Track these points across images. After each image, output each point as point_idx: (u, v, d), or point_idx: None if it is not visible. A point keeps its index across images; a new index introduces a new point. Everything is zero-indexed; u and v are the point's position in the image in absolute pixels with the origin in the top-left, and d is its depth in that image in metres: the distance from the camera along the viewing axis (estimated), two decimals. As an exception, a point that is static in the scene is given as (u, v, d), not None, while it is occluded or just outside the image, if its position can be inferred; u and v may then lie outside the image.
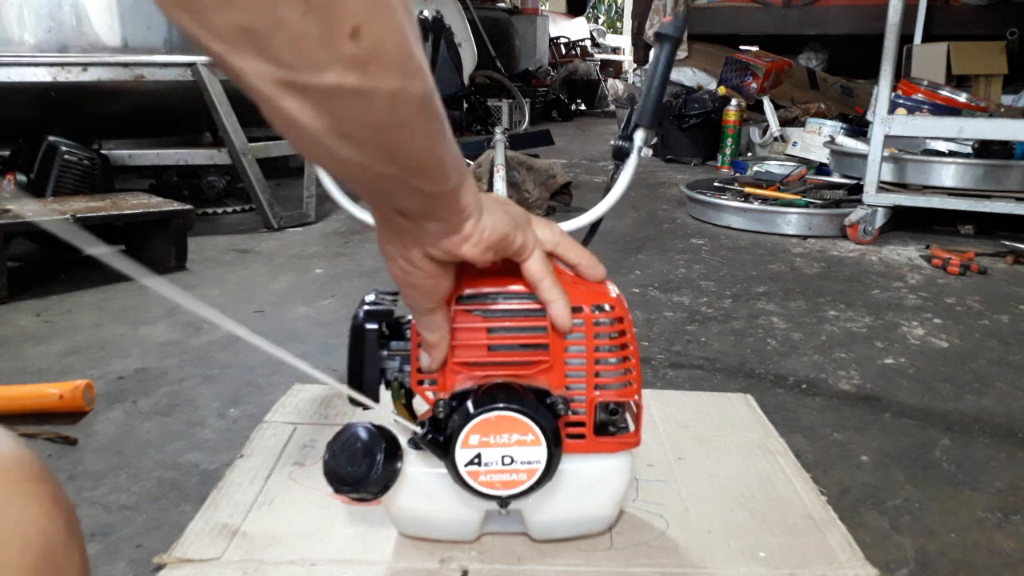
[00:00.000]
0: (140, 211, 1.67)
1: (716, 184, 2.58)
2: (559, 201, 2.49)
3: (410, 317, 0.65)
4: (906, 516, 0.82)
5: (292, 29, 0.35)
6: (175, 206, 1.74)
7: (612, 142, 1.03)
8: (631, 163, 1.00)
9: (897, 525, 0.81)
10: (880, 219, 2.13)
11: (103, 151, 2.01)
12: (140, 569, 0.71)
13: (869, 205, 2.13)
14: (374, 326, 0.67)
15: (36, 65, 2.01)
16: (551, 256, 0.64)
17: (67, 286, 1.59)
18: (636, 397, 0.67)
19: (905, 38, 2.93)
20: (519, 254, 0.60)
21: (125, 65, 2.09)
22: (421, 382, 0.65)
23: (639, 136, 1.00)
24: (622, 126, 1.02)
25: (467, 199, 0.53)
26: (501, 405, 0.61)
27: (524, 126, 4.57)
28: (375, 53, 0.38)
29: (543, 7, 8.05)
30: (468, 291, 0.63)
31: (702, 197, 2.38)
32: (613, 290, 0.67)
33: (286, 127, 0.40)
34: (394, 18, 0.38)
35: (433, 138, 0.46)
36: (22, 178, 1.82)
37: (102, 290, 1.56)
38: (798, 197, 2.36)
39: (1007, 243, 2.04)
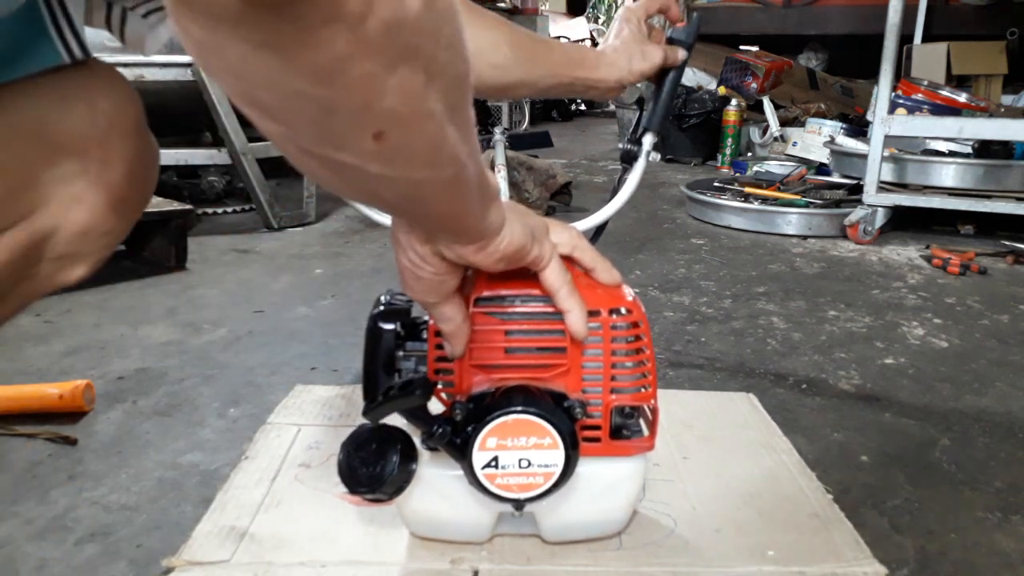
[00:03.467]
0: (140, 211, 1.67)
1: (716, 184, 2.58)
2: (559, 201, 2.49)
3: (426, 318, 0.65)
4: (906, 516, 0.82)
5: (310, 120, 0.35)
6: (175, 206, 1.74)
7: (620, 145, 1.03)
8: (639, 166, 1.00)
9: (897, 525, 0.81)
10: (880, 219, 2.13)
11: (103, 151, 2.01)
12: (140, 569, 0.72)
13: (869, 205, 2.13)
14: (390, 326, 0.67)
15: (36, 65, 2.01)
16: (567, 259, 0.64)
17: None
18: (652, 401, 0.67)
19: (905, 38, 2.93)
20: (535, 264, 0.60)
21: (125, 65, 2.09)
22: (437, 383, 0.65)
23: (648, 140, 1.00)
24: (630, 130, 1.02)
25: (490, 219, 0.53)
26: (519, 408, 0.61)
27: (524, 126, 4.56)
28: (400, 152, 0.38)
29: (543, 7, 8.04)
30: (486, 293, 0.63)
31: (702, 197, 2.38)
32: (629, 293, 0.67)
33: (305, 173, 0.41)
34: (427, 124, 0.37)
35: (460, 201, 0.47)
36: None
37: (102, 290, 1.56)
38: (798, 197, 2.36)
39: (1007, 243, 2.04)
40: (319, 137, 0.36)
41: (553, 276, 0.61)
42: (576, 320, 0.62)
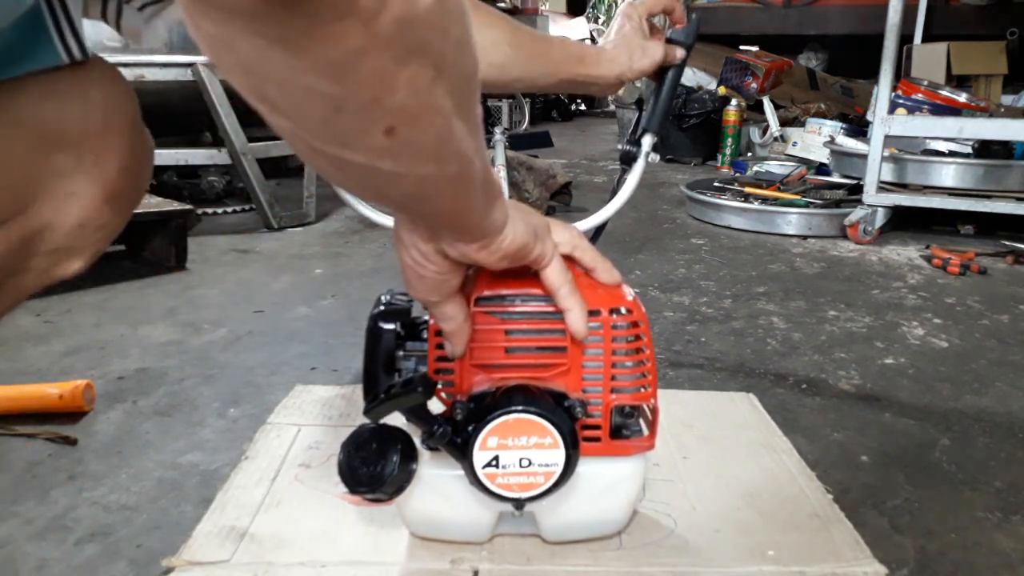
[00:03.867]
0: (140, 211, 1.67)
1: (716, 184, 2.58)
2: (559, 201, 2.49)
3: (427, 317, 0.65)
4: (906, 516, 0.82)
5: (321, 116, 0.35)
6: (175, 206, 1.74)
7: (619, 146, 1.03)
8: (638, 167, 1.00)
9: (897, 525, 0.81)
10: (880, 219, 2.13)
11: (103, 151, 2.01)
12: (140, 569, 0.72)
13: (869, 205, 2.13)
14: (391, 326, 0.67)
15: (36, 65, 2.01)
16: (568, 259, 0.64)
17: (67, 286, 1.58)
18: (652, 401, 0.67)
19: (905, 38, 2.93)
20: (536, 263, 0.60)
21: (125, 65, 2.09)
22: (437, 383, 0.65)
23: (647, 141, 1.00)
24: (629, 130, 1.02)
25: (493, 216, 0.53)
26: (520, 407, 0.61)
27: (524, 126, 4.56)
28: (409, 148, 0.38)
29: (543, 7, 8.04)
30: (487, 292, 0.63)
31: (702, 197, 2.38)
32: (629, 293, 0.67)
33: (313, 168, 0.42)
34: (435, 119, 0.38)
35: (465, 198, 0.48)
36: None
37: (102, 290, 1.56)
38: (798, 197, 2.36)
39: (1007, 243, 2.04)
40: (329, 133, 0.36)
41: (554, 275, 0.61)
42: (576, 319, 0.62)
